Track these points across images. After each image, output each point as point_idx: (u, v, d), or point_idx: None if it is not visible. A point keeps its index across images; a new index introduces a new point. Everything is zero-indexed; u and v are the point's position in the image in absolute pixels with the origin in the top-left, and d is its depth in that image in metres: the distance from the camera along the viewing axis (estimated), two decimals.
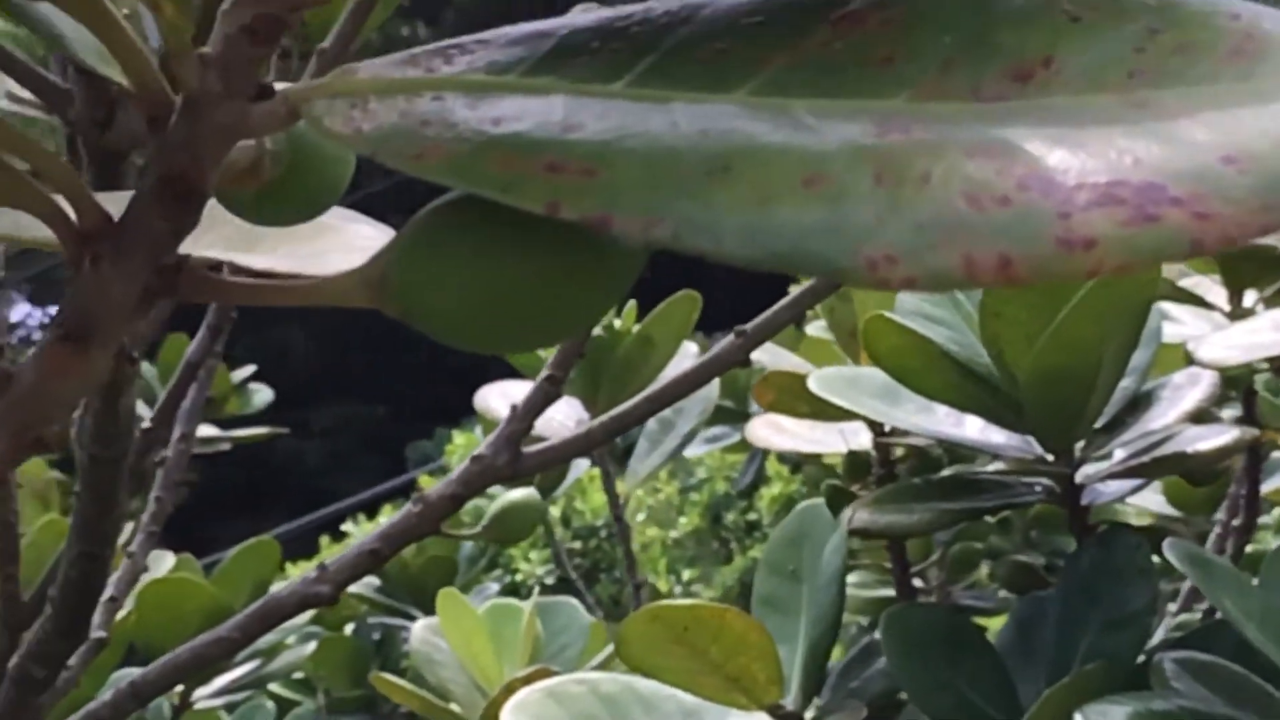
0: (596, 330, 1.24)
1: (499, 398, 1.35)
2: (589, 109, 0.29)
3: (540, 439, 0.79)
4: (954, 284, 0.25)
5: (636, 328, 1.28)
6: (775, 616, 0.87)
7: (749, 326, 0.79)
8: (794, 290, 0.82)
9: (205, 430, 1.93)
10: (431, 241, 0.31)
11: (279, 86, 0.31)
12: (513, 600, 1.21)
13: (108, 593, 0.86)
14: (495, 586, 2.00)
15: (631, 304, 1.30)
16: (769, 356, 1.15)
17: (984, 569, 1.29)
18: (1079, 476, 0.87)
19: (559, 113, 0.29)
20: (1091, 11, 0.29)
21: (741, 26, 0.31)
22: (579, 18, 0.32)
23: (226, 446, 1.97)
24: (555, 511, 3.94)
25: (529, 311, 0.30)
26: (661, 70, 0.30)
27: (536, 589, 3.41)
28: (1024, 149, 0.26)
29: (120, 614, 0.97)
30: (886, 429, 1.03)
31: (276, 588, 0.77)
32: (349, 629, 1.83)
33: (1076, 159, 0.26)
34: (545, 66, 0.30)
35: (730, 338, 0.79)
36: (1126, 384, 0.87)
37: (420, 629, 1.20)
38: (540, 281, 0.30)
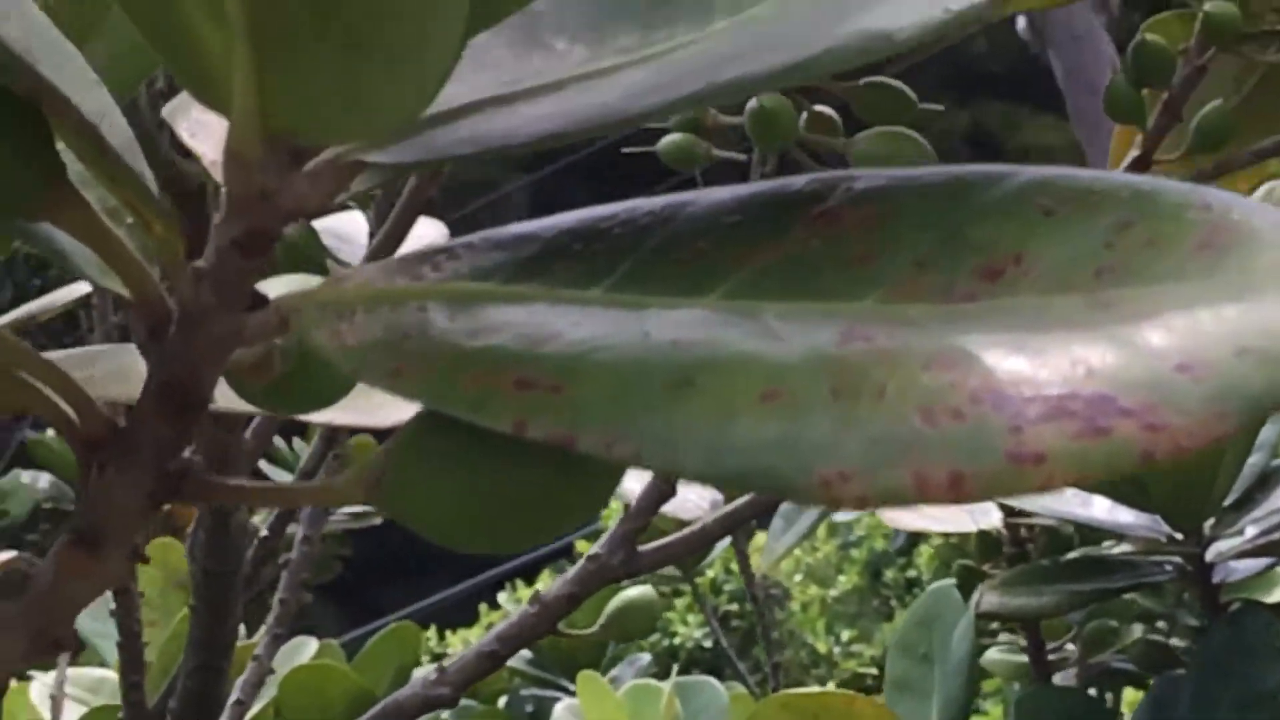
0: None
1: (634, 479, 1.36)
2: (565, 318, 0.29)
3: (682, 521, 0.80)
4: (905, 501, 0.25)
5: None
6: (907, 700, 0.88)
7: None
8: None
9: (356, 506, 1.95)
10: (420, 447, 0.31)
11: (272, 295, 0.32)
12: (652, 681, 1.22)
13: (234, 695, 0.87)
14: (647, 657, 2.00)
15: None
16: None
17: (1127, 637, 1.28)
18: (1209, 555, 0.87)
19: (535, 323, 0.29)
20: (1065, 205, 0.29)
21: (721, 226, 0.31)
22: (565, 218, 0.33)
23: (378, 520, 2.02)
24: (711, 572, 3.95)
25: (516, 518, 0.31)
26: (640, 274, 0.30)
27: (685, 655, 3.40)
28: (981, 358, 0.26)
29: (254, 710, 0.98)
30: (1015, 508, 1.03)
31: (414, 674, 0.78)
32: (502, 702, 1.84)
33: (1031, 369, 0.26)
34: (527, 272, 0.31)
35: None
36: (1255, 460, 0.87)
37: (562, 710, 1.21)
38: (526, 489, 0.30)
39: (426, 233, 0.70)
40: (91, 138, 0.29)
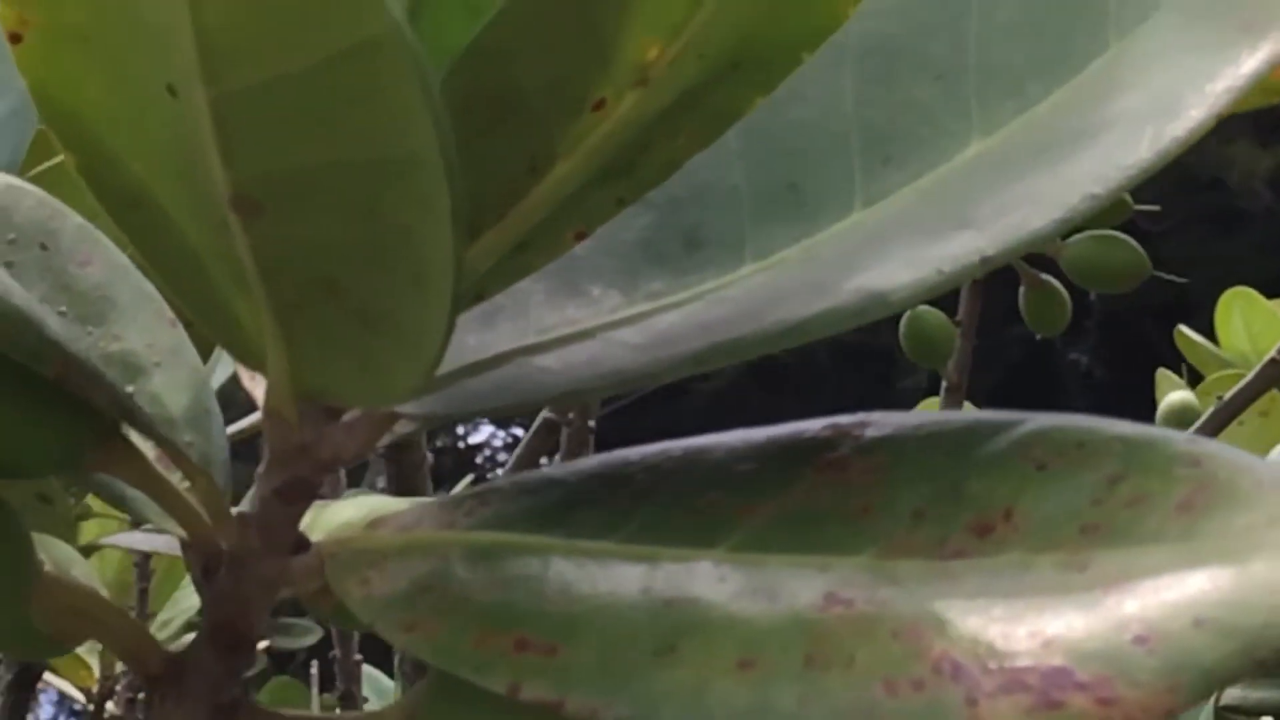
0: None
1: None
2: (577, 570, 0.31)
3: None
4: None
5: None
6: None
7: None
8: None
9: None
10: (449, 686, 0.33)
11: (315, 539, 0.34)
12: None
13: None
14: None
15: None
16: None
17: None
18: None
19: (547, 576, 0.31)
20: (1059, 458, 0.30)
21: (736, 474, 0.32)
22: (594, 462, 0.34)
23: None
24: None
25: None
26: (656, 523, 0.31)
27: None
28: (952, 625, 0.27)
29: None
30: None
31: None
32: None
33: (997, 638, 0.26)
34: (550, 519, 0.32)
35: None
36: None
37: None
38: None
39: None
40: (123, 409, 0.31)
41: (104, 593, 0.37)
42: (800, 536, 0.30)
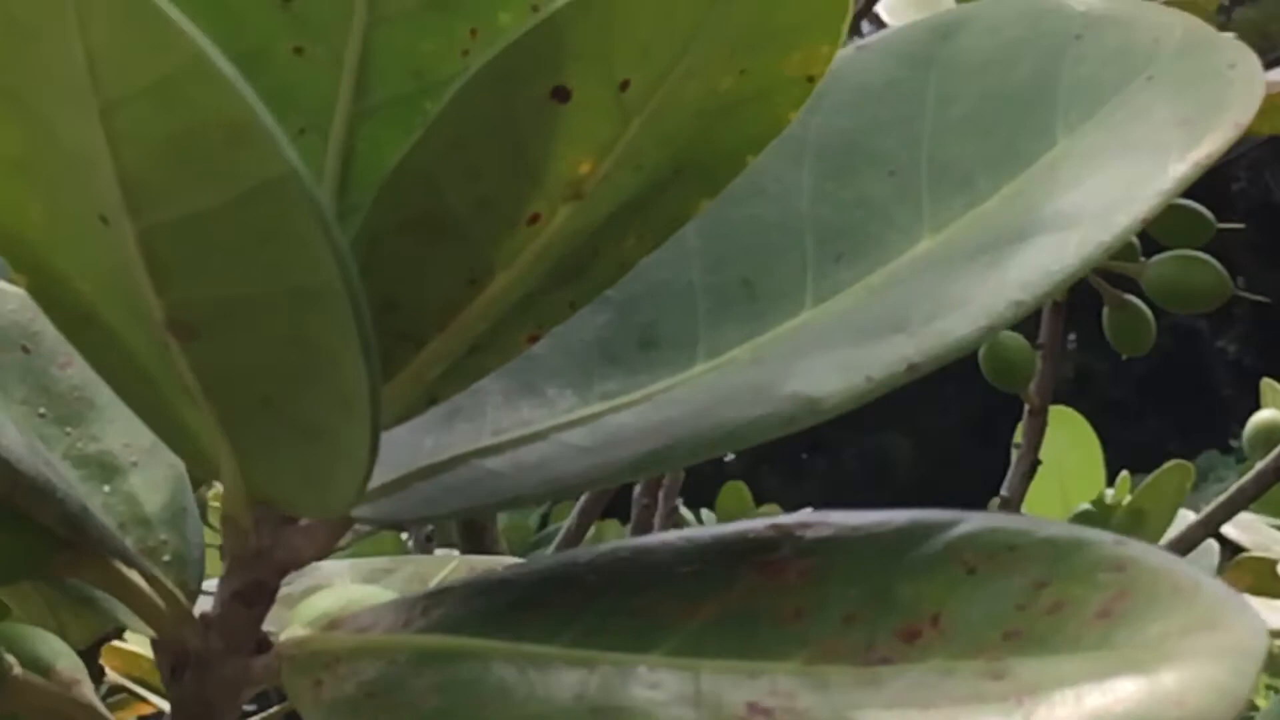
0: (1084, 505, 1.24)
1: None
2: (518, 676, 0.31)
3: None
4: None
5: (1127, 499, 1.27)
6: None
7: None
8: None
9: None
10: None
11: (279, 639, 0.35)
12: None
13: None
14: None
15: (1124, 475, 1.29)
16: (1246, 535, 1.13)
17: None
18: None
19: (488, 682, 0.31)
20: (989, 562, 0.30)
21: (678, 576, 0.33)
22: (548, 562, 0.35)
23: None
24: None
25: None
26: (600, 626, 0.32)
27: None
28: None
29: None
30: None
31: None
32: None
33: None
34: (499, 622, 0.33)
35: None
36: None
37: None
38: None
39: None
40: (74, 527, 0.32)
41: (87, 687, 0.38)
42: (736, 640, 0.31)
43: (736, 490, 2.36)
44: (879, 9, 1.13)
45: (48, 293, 0.31)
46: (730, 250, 0.38)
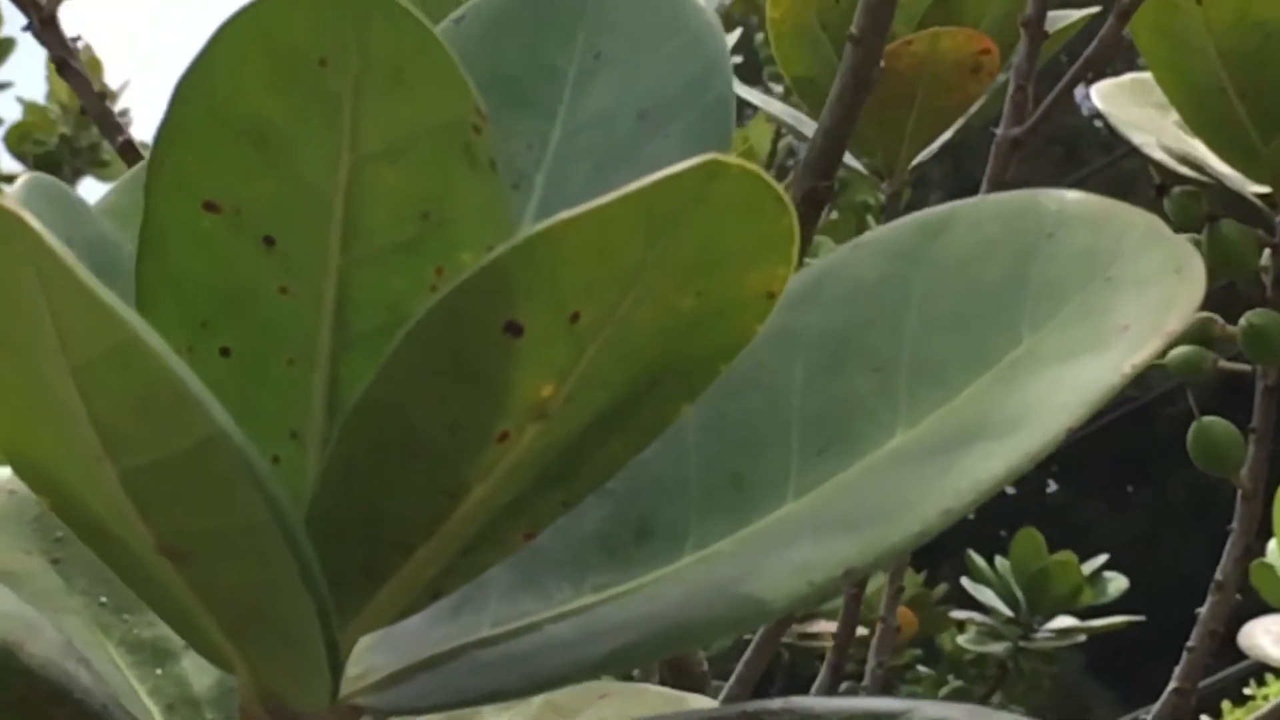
0: None
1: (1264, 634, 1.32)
2: None
3: None
4: None
5: None
6: None
7: None
8: None
9: (1062, 622, 2.29)
10: None
11: None
12: None
13: None
14: None
15: None
16: None
17: None
18: None
19: None
20: None
21: None
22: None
23: (1082, 638, 2.18)
24: None
25: None
26: None
27: None
28: None
29: None
30: None
31: None
32: None
33: None
34: None
35: None
36: None
37: None
38: None
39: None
40: None
41: None
42: None
43: (1030, 538, 2.36)
44: (1094, 99, 1.15)
45: (66, 513, 0.34)
46: (724, 443, 0.40)
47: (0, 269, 0.28)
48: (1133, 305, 0.35)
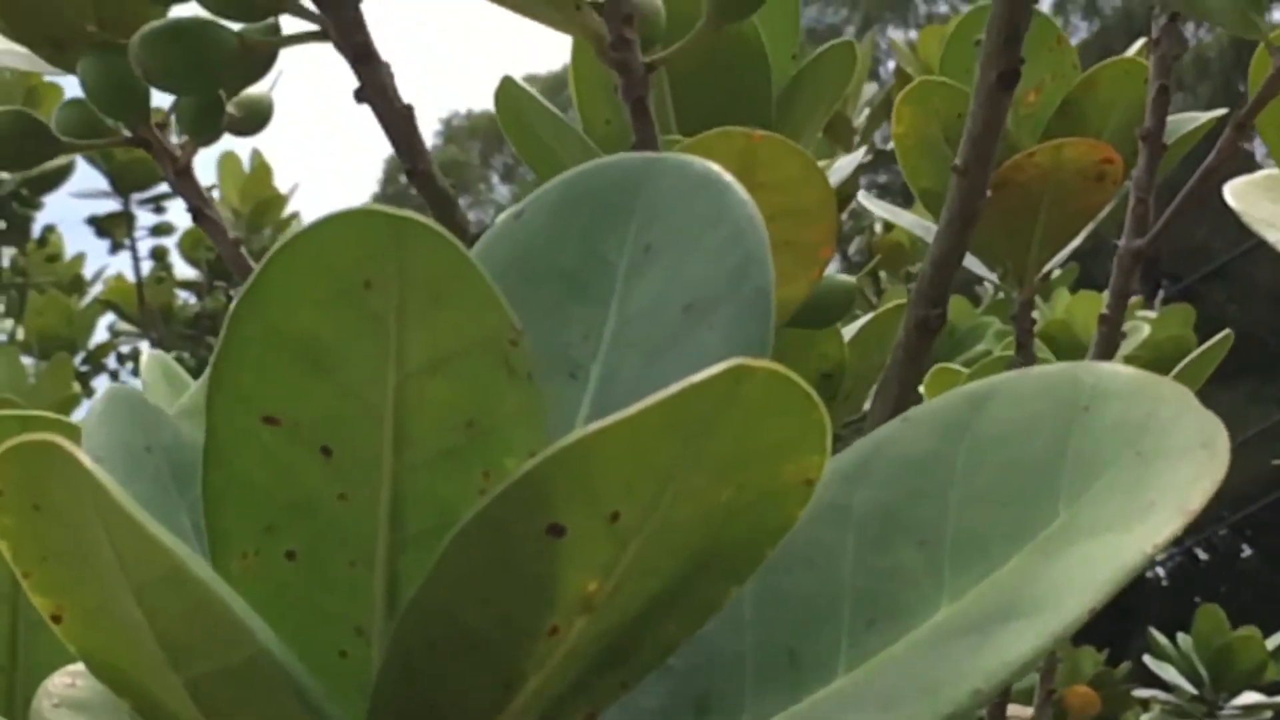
0: None
1: None
2: None
3: None
4: None
5: None
6: None
7: None
8: None
9: (1248, 698, 2.31)
10: None
11: None
12: None
13: None
14: None
15: None
16: None
17: None
18: None
19: None
20: None
21: None
22: None
23: (1268, 715, 2.19)
24: None
25: None
26: None
27: None
28: None
29: None
30: None
31: None
32: None
33: None
34: None
35: None
36: None
37: None
38: None
39: None
40: None
41: None
42: None
43: (1212, 614, 2.35)
44: (1227, 197, 1.15)
45: (145, 711, 0.37)
46: (779, 619, 0.41)
47: (64, 501, 0.30)
48: (1161, 479, 0.36)
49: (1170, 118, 1.26)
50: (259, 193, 3.32)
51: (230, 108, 0.97)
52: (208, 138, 0.99)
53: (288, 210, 3.37)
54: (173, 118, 0.99)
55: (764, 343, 0.40)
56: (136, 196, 3.27)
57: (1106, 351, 1.18)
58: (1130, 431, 0.38)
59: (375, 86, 0.83)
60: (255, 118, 1.00)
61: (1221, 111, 1.29)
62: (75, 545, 0.32)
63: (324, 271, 0.35)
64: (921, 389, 1.30)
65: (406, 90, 0.83)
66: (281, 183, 3.38)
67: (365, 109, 0.82)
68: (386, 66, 0.83)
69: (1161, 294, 3.41)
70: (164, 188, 3.02)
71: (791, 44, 1.05)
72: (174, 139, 1.00)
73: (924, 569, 0.40)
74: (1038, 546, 0.38)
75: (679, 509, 0.35)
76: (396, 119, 0.84)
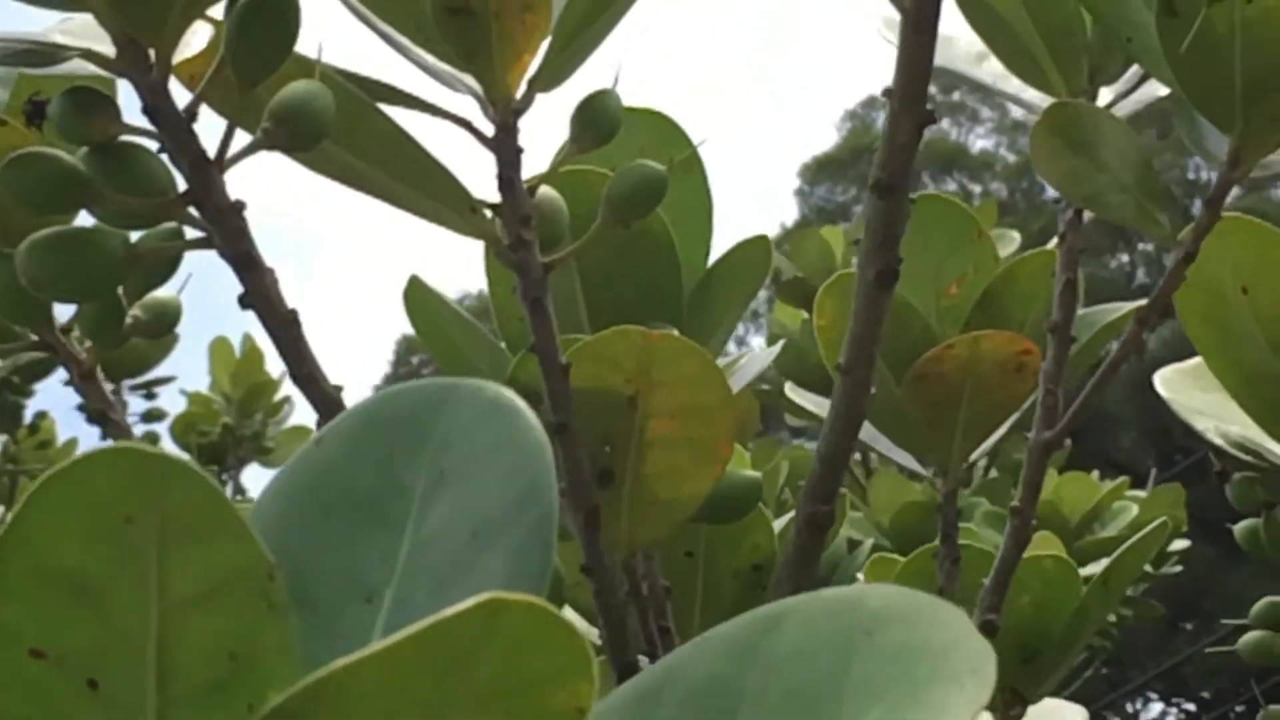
0: None
1: None
2: None
3: None
4: None
5: None
6: None
7: None
8: None
9: None
10: None
11: None
12: None
13: None
14: None
15: None
16: None
17: None
18: None
19: None
20: None
21: None
22: None
23: None
24: None
25: None
26: None
27: None
28: None
29: None
30: None
31: None
32: None
33: None
34: None
35: None
36: None
37: None
38: None
39: None
40: None
41: None
42: None
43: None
44: (1157, 386, 1.16)
45: None
46: None
47: None
48: (934, 704, 0.37)
49: (1086, 310, 1.27)
50: (250, 378, 3.30)
51: (137, 310, 0.96)
52: (111, 341, 0.98)
53: (279, 395, 3.33)
54: None
55: (544, 569, 0.40)
56: (128, 383, 3.24)
57: (1018, 544, 1.16)
58: (908, 657, 0.39)
59: (259, 293, 0.84)
60: (161, 320, 1.00)
61: (1141, 302, 1.30)
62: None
63: (86, 506, 0.35)
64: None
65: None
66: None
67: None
68: (271, 273, 0.83)
69: (1154, 474, 3.45)
70: (155, 374, 3.01)
71: (705, 241, 1.06)
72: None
73: None
74: None
75: None
76: (281, 323, 0.84)
